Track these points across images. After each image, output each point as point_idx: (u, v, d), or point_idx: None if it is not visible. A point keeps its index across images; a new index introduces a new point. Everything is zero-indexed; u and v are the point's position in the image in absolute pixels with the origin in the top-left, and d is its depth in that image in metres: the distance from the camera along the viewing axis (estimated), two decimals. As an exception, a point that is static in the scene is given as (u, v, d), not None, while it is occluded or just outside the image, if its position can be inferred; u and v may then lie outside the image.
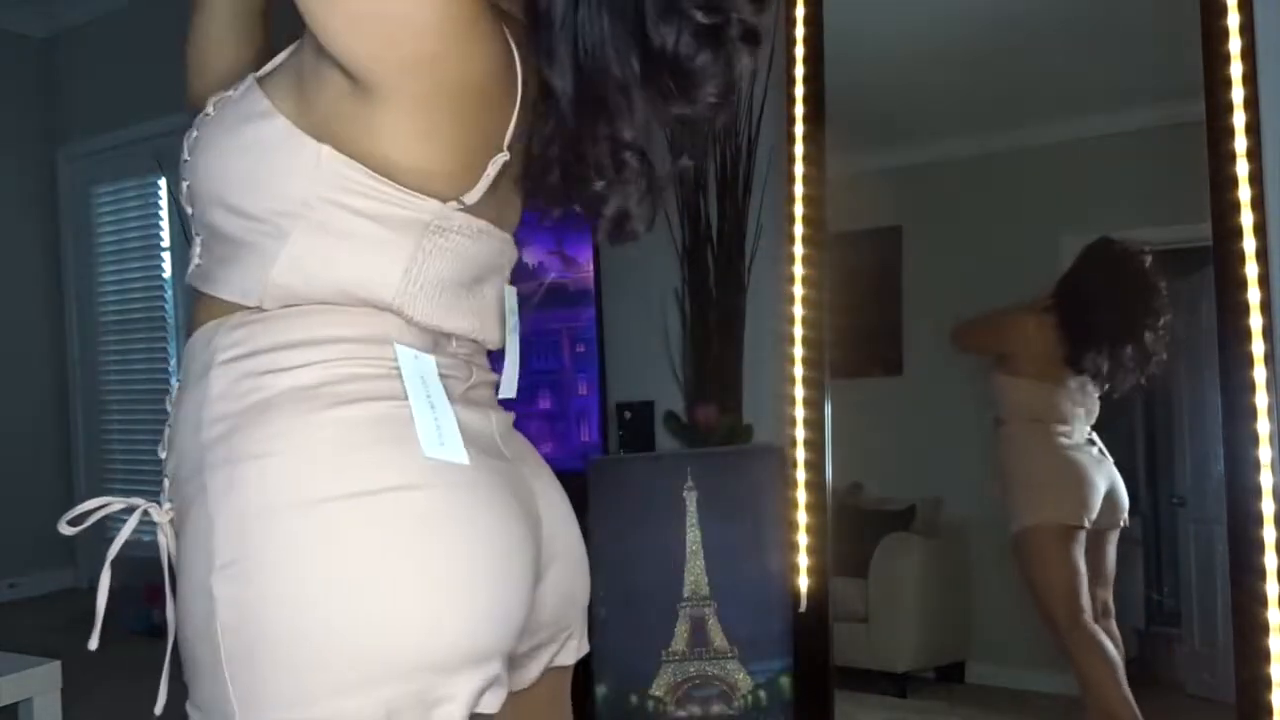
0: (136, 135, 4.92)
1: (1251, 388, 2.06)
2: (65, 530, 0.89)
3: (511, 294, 0.96)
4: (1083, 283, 2.64)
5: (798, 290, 2.54)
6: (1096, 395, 2.63)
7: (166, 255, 4.93)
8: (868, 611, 2.87)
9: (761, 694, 2.65)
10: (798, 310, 2.54)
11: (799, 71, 2.54)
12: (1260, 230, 2.08)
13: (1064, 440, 2.64)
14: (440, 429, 0.81)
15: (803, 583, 2.47)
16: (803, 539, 2.47)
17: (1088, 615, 2.58)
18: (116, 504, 0.89)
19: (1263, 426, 2.04)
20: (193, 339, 0.86)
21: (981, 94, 2.75)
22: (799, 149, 2.55)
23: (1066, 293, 2.65)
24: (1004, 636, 2.83)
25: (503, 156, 0.85)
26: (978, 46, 2.70)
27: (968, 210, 2.87)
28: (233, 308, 0.84)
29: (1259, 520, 2.03)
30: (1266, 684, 2.00)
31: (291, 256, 0.81)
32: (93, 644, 0.89)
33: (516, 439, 0.95)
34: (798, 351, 2.53)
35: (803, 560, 2.47)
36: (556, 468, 1.00)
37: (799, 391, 2.52)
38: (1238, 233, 2.08)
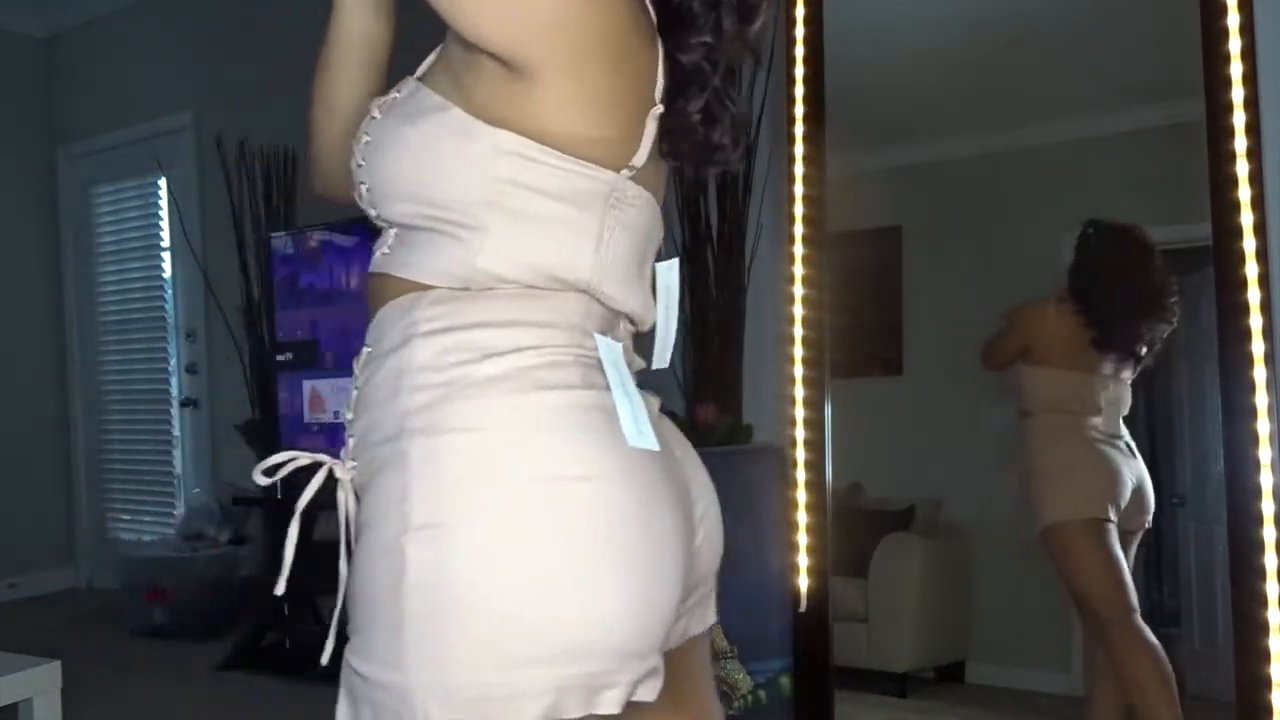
0: (136, 135, 4.93)
1: (1251, 388, 2.06)
2: (260, 480, 0.93)
3: (671, 269, 0.97)
4: (1091, 265, 2.61)
5: (798, 290, 2.54)
6: (1128, 382, 2.59)
7: (166, 255, 4.94)
8: (868, 611, 2.87)
9: (761, 694, 2.65)
10: (798, 310, 2.54)
11: (799, 71, 2.54)
12: (1260, 230, 2.08)
13: (1094, 433, 2.59)
14: (637, 419, 0.84)
15: (803, 583, 2.47)
16: (803, 539, 2.47)
17: (1137, 614, 2.51)
18: (304, 458, 0.93)
19: (1263, 426, 2.04)
20: (385, 310, 0.89)
21: (981, 94, 2.75)
22: (799, 149, 2.55)
23: (1079, 279, 2.62)
24: (1004, 636, 2.83)
25: (658, 109, 0.88)
26: (978, 46, 2.70)
27: (968, 210, 2.87)
28: (427, 286, 0.87)
29: (1259, 520, 2.03)
30: (1266, 684, 2.00)
31: (495, 245, 0.84)
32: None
33: (664, 422, 0.96)
34: (798, 351, 2.53)
35: (803, 560, 2.47)
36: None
37: (799, 391, 2.52)
38: (1238, 233, 2.08)
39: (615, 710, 0.80)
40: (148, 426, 5.05)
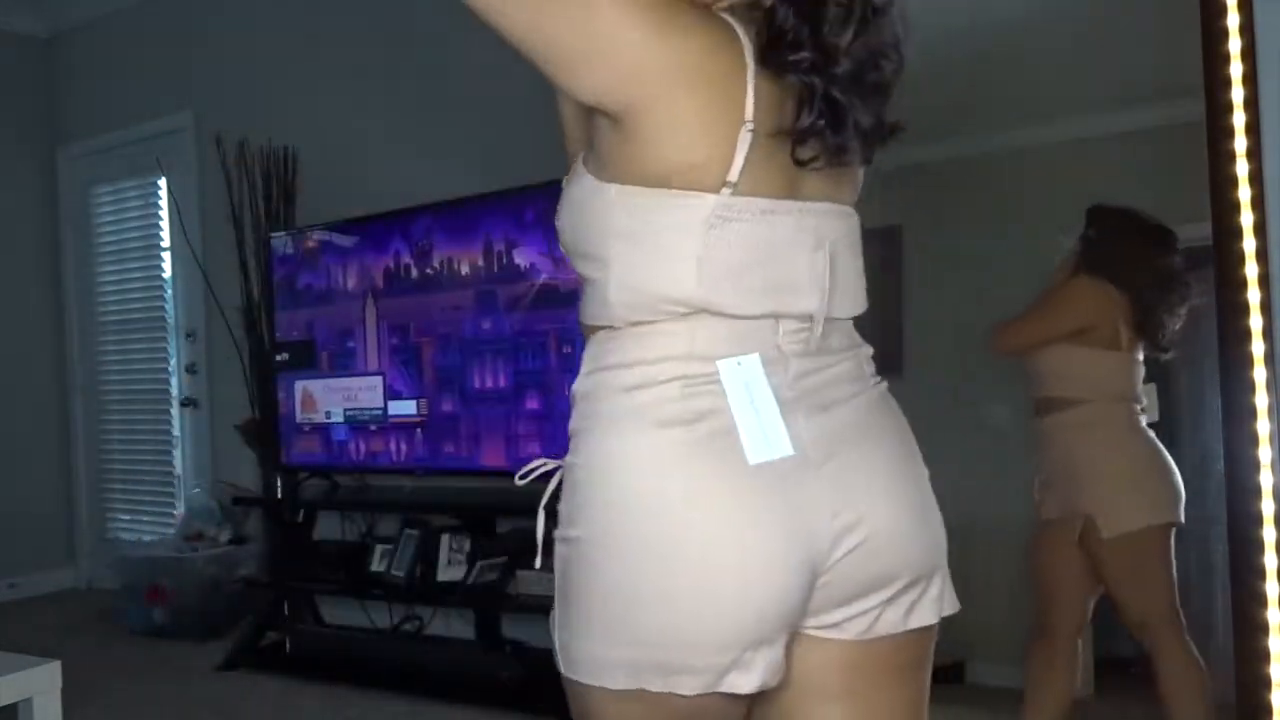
0: (136, 135, 4.93)
1: (1251, 388, 2.06)
2: (520, 482, 1.12)
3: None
4: (1112, 243, 2.49)
5: (798, 290, 2.53)
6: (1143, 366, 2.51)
7: (166, 255, 4.94)
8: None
9: (761, 694, 2.65)
10: (798, 310, 2.53)
11: (799, 71, 2.54)
12: (1260, 230, 2.08)
13: (1144, 421, 2.47)
14: (766, 431, 0.97)
15: (803, 583, 2.46)
16: (803, 539, 2.47)
17: (1184, 625, 2.42)
18: (551, 464, 1.10)
19: (1263, 426, 2.04)
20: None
21: (981, 94, 2.75)
22: (799, 149, 2.55)
23: (1102, 257, 2.49)
24: (1004, 636, 2.83)
25: (748, 126, 0.96)
26: (978, 46, 2.70)
27: (968, 210, 2.87)
28: (591, 327, 1.04)
29: (1259, 520, 2.03)
30: (1266, 684, 2.00)
31: (617, 279, 0.99)
32: (536, 563, 1.16)
33: (848, 428, 1.03)
34: (798, 351, 2.52)
35: (803, 560, 2.46)
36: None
37: (799, 391, 2.51)
38: (1238, 233, 2.08)
39: (689, 692, 0.96)
40: (148, 426, 5.05)
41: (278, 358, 3.90)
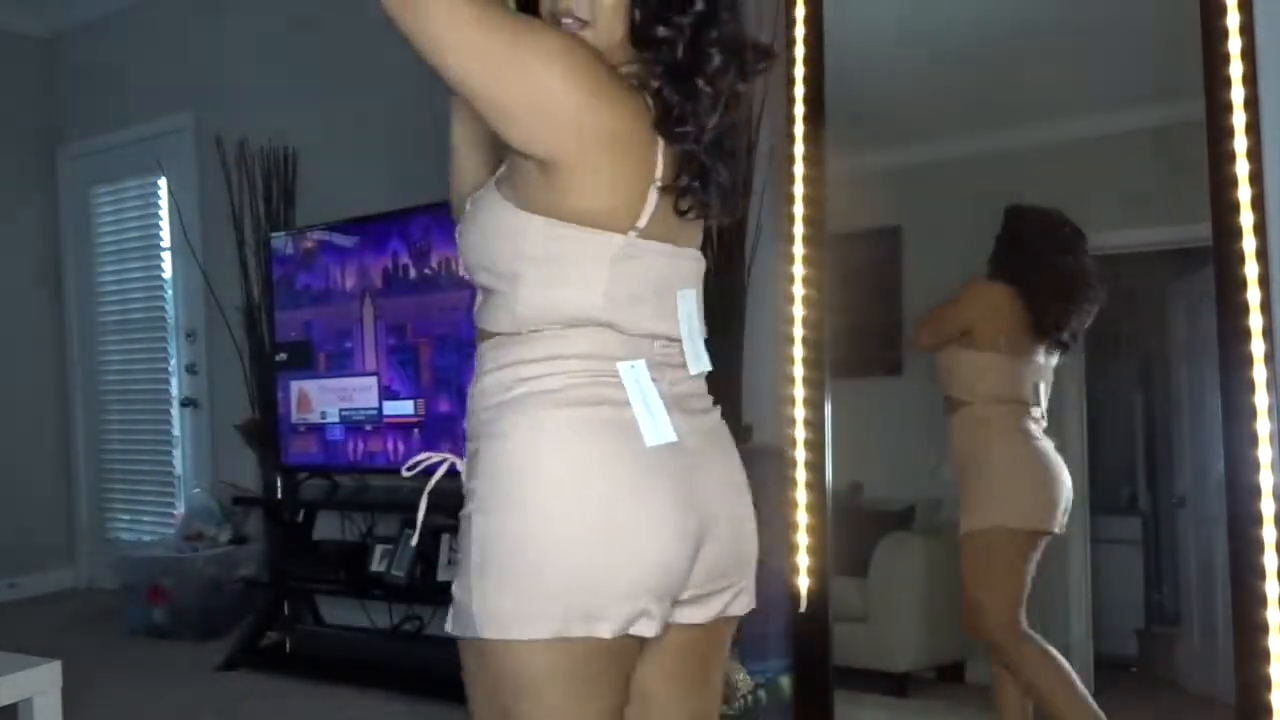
0: (136, 135, 4.93)
1: (1251, 388, 2.06)
2: (405, 474, 1.35)
3: (686, 298, 1.24)
4: (1020, 245, 2.56)
5: (798, 290, 2.54)
6: (1051, 369, 2.53)
7: (166, 255, 4.93)
8: (868, 611, 2.87)
9: (761, 694, 2.65)
10: (798, 310, 2.54)
11: (799, 71, 2.54)
12: (1260, 230, 2.08)
13: (1033, 426, 2.51)
14: (656, 421, 1.15)
15: (803, 583, 2.47)
16: (803, 539, 2.47)
17: (1025, 624, 2.45)
18: (436, 457, 1.32)
19: (1263, 426, 2.04)
20: (477, 350, 1.23)
21: (981, 94, 2.75)
22: (799, 149, 2.55)
23: (1009, 261, 2.56)
24: (1004, 636, 2.82)
25: (657, 183, 1.16)
26: (978, 46, 2.70)
27: (968, 210, 2.87)
28: (492, 333, 1.20)
29: (1259, 520, 2.03)
30: (1266, 684, 2.00)
31: (527, 295, 1.16)
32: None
33: (705, 434, 1.23)
34: (798, 351, 2.53)
35: (803, 560, 2.47)
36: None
37: (799, 391, 2.52)
38: (1238, 233, 2.08)
39: (607, 635, 1.10)
40: (148, 426, 5.05)
41: (277, 358, 3.90)
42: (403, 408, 3.57)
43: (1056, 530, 2.48)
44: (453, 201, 1.43)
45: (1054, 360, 2.55)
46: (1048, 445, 2.52)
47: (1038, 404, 2.53)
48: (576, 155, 1.12)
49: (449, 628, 1.17)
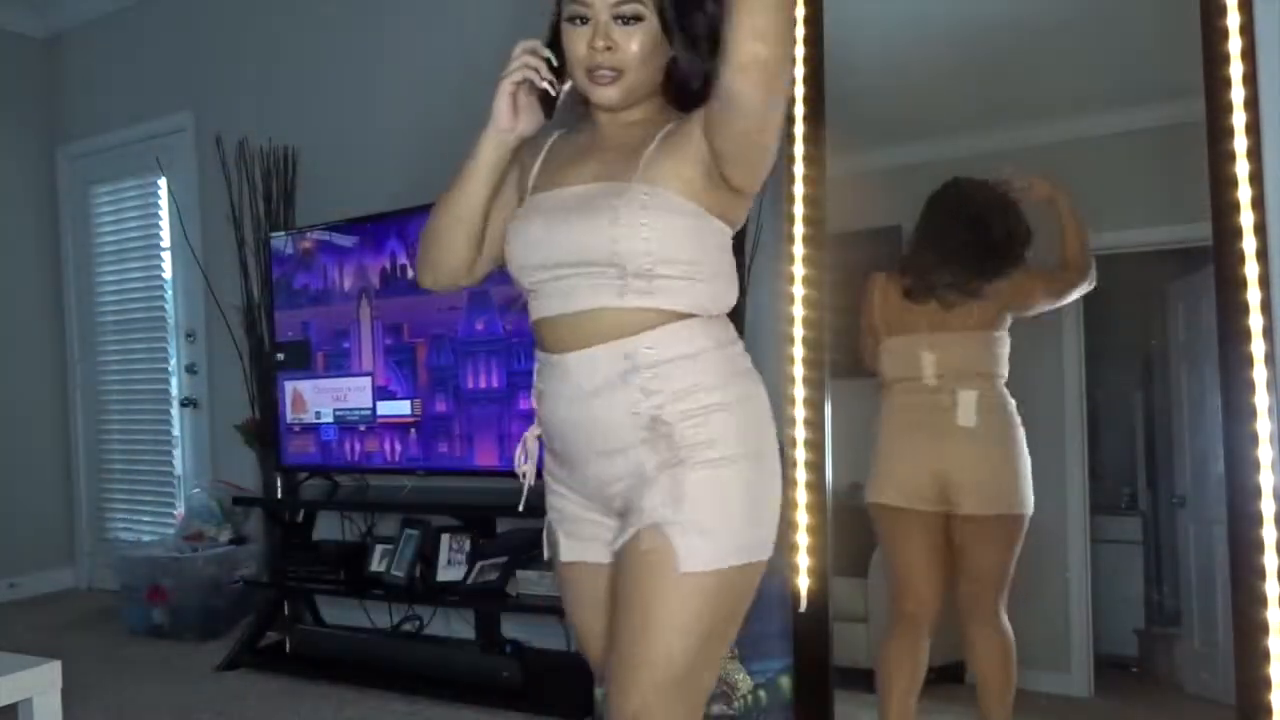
0: (136, 135, 4.93)
1: (1251, 388, 2.06)
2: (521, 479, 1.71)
3: None
4: (921, 219, 2.62)
5: (798, 290, 2.54)
6: (977, 338, 2.53)
7: (166, 255, 4.93)
8: (868, 611, 2.87)
9: (761, 694, 2.65)
10: (798, 310, 2.54)
11: (799, 71, 2.54)
12: (1260, 230, 2.08)
13: (920, 399, 2.56)
14: None
15: (803, 583, 2.47)
16: (803, 539, 2.47)
17: (910, 619, 2.50)
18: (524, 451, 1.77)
19: (1263, 426, 2.05)
20: (668, 327, 1.41)
21: (981, 94, 2.75)
22: (799, 149, 2.55)
23: (914, 241, 2.64)
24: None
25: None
26: (978, 46, 2.70)
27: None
28: (683, 314, 1.42)
29: (1259, 520, 2.03)
30: (1266, 684, 2.00)
31: (716, 286, 1.45)
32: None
33: None
34: (798, 351, 2.53)
35: (803, 560, 2.47)
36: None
37: (799, 391, 2.52)
38: (1238, 233, 2.08)
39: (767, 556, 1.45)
40: (148, 426, 5.05)
41: (276, 357, 3.90)
42: (399, 408, 3.57)
43: (910, 507, 2.53)
44: (446, 229, 1.54)
45: (976, 328, 2.54)
46: (928, 420, 2.55)
47: (930, 377, 2.56)
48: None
49: (695, 565, 1.35)
